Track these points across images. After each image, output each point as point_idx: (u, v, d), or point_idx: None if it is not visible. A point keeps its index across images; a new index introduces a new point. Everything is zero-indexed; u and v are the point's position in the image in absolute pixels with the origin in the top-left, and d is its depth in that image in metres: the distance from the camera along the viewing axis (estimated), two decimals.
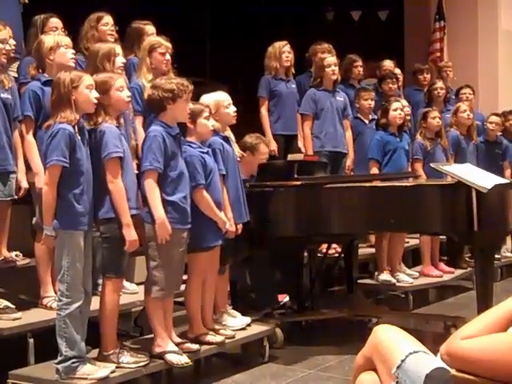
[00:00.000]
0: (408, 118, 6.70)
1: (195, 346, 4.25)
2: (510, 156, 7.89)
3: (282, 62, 6.45)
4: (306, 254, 5.76)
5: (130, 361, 3.89)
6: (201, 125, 4.34)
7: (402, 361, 2.34)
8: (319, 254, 5.93)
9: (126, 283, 4.53)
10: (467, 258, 7.05)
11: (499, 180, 4.89)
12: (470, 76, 8.80)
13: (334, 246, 6.06)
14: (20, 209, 4.62)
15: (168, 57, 4.90)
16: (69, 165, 3.60)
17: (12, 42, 4.45)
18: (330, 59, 6.45)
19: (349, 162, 6.59)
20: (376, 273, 6.34)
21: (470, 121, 7.13)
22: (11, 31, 4.46)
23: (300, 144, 6.50)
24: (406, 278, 6.34)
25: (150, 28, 5.42)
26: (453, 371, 2.16)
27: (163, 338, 4.10)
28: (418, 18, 9.97)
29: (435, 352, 2.34)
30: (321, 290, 5.84)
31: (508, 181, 5.21)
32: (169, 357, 4.06)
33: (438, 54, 9.48)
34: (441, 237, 6.66)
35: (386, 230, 5.80)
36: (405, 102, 6.65)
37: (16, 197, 4.37)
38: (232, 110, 4.68)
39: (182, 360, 4.08)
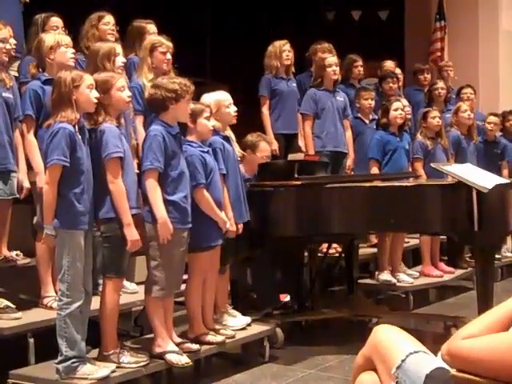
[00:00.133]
0: (408, 117, 6.70)
1: (195, 346, 4.25)
2: (509, 156, 7.89)
3: (283, 60, 6.46)
4: (306, 253, 5.75)
5: (131, 361, 3.89)
6: (201, 124, 4.34)
7: (402, 361, 2.34)
8: (319, 254, 5.93)
9: (126, 283, 4.52)
10: (467, 258, 7.05)
11: (500, 180, 4.89)
12: (470, 76, 8.80)
13: (334, 245, 6.06)
14: (20, 208, 4.61)
15: (169, 56, 4.90)
16: (69, 164, 3.60)
17: (13, 41, 4.45)
18: (331, 59, 6.45)
19: (349, 161, 6.59)
20: (376, 273, 6.34)
21: (470, 121, 7.13)
22: (12, 30, 4.45)
23: (301, 143, 6.51)
24: (407, 278, 6.34)
25: (151, 27, 5.43)
26: (453, 371, 2.16)
27: (163, 338, 4.10)
28: (418, 17, 9.96)
29: (435, 352, 2.34)
30: (321, 289, 5.83)
31: (508, 181, 5.20)
32: (169, 357, 4.06)
33: (439, 54, 9.48)
34: (441, 237, 6.66)
35: (386, 230, 5.79)
36: (405, 102, 6.65)
37: (18, 196, 4.37)
38: (233, 109, 4.68)
39: (183, 360, 4.08)
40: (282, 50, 6.46)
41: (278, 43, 6.47)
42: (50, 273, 4.31)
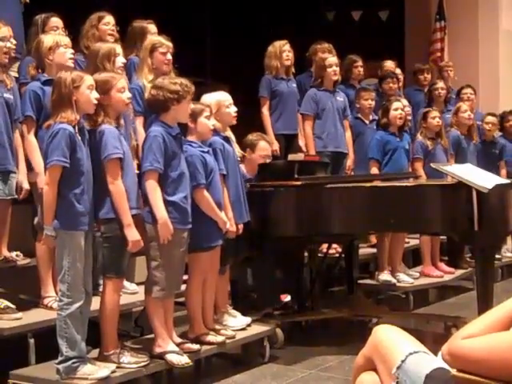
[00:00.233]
0: (409, 118, 6.70)
1: (196, 346, 4.25)
2: (507, 156, 7.89)
3: (283, 61, 6.46)
4: (306, 253, 5.75)
5: (131, 361, 3.89)
6: (201, 124, 4.34)
7: (403, 361, 2.34)
8: (320, 254, 5.93)
9: (126, 283, 4.52)
10: (468, 258, 7.05)
11: (500, 180, 4.90)
12: (470, 76, 8.80)
13: (334, 246, 6.06)
14: (20, 209, 4.62)
15: (169, 56, 4.90)
16: (69, 165, 3.60)
17: (13, 41, 4.45)
18: (332, 59, 6.45)
19: (349, 162, 6.60)
20: (376, 273, 6.34)
21: (470, 121, 7.14)
22: (12, 31, 4.45)
23: (301, 143, 6.51)
24: (407, 278, 6.34)
25: (152, 27, 5.43)
26: (453, 371, 2.16)
27: (164, 338, 4.10)
28: (418, 17, 9.96)
29: (435, 352, 2.34)
30: (321, 290, 5.83)
31: (508, 181, 5.21)
32: (169, 357, 4.06)
33: (439, 54, 9.48)
34: (441, 237, 6.67)
35: (386, 230, 5.79)
36: (405, 102, 6.65)
37: (17, 197, 4.37)
38: (233, 110, 4.68)
39: (183, 360, 4.08)
40: (282, 51, 6.46)
41: (277, 43, 6.47)
42: (51, 273, 4.31)
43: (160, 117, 4.13)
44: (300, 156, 5.64)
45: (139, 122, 4.74)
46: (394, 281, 6.25)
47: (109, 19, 5.24)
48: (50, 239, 3.66)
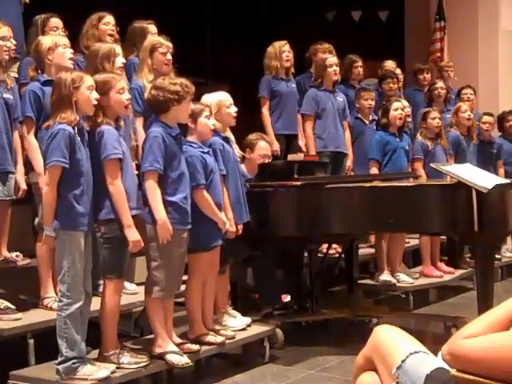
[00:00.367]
0: (408, 118, 6.70)
1: (195, 347, 4.25)
2: (504, 155, 7.89)
3: (283, 61, 6.45)
4: (306, 254, 5.75)
5: (131, 361, 3.89)
6: (201, 124, 4.34)
7: (403, 361, 2.34)
8: (319, 254, 5.93)
9: (126, 283, 4.52)
10: (468, 259, 7.05)
11: (499, 180, 4.90)
12: (470, 76, 8.80)
13: (334, 246, 6.06)
14: (20, 209, 4.62)
15: (169, 56, 4.90)
16: (69, 165, 3.60)
17: (13, 41, 4.45)
18: (332, 59, 6.45)
19: (349, 162, 6.60)
20: (376, 273, 6.34)
21: (470, 121, 7.14)
22: (12, 31, 4.45)
23: (301, 143, 6.51)
24: (407, 278, 6.34)
25: (152, 27, 5.43)
26: (453, 371, 2.16)
27: (164, 339, 4.10)
28: (418, 18, 9.96)
29: (435, 352, 2.34)
30: (321, 290, 5.82)
31: (508, 181, 5.21)
32: (169, 357, 4.06)
33: (439, 54, 9.48)
34: (441, 237, 6.66)
35: (386, 230, 5.79)
36: (405, 102, 6.65)
37: (14, 197, 4.37)
38: (233, 110, 4.68)
39: (183, 360, 4.08)
40: (282, 51, 6.45)
41: (277, 44, 6.47)
42: (51, 274, 4.31)
43: (160, 117, 4.13)
44: (300, 156, 5.64)
45: (139, 122, 4.74)
46: (393, 281, 6.25)
47: (109, 19, 5.24)
48: (49, 240, 3.66)
